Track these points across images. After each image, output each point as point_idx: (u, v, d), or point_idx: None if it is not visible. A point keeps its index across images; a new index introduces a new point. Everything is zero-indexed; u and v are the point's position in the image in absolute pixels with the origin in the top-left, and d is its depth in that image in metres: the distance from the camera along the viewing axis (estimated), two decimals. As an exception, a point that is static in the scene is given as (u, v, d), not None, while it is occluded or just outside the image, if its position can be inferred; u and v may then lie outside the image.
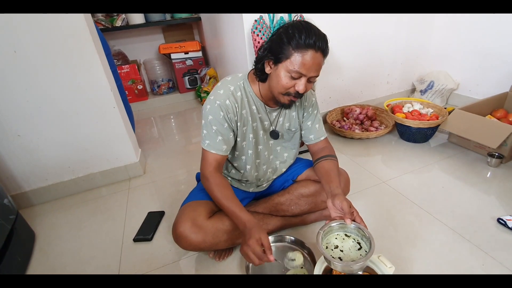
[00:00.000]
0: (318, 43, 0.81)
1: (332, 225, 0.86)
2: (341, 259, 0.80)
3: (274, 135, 1.07)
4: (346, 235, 0.87)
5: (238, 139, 1.01)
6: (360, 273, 0.87)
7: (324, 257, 0.79)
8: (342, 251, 0.82)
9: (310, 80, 0.87)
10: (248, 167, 1.09)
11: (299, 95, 0.89)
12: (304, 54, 0.81)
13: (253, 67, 0.96)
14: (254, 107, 0.99)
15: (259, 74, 0.93)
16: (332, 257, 0.80)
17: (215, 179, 0.95)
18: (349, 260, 0.79)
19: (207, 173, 0.96)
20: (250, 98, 0.98)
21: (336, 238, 0.86)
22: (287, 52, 0.83)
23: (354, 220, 0.85)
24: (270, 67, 0.89)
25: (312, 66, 0.83)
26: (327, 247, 0.83)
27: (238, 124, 0.98)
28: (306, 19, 1.73)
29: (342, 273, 0.86)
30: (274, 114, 1.04)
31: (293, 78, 0.85)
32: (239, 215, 0.89)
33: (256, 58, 0.94)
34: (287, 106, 0.96)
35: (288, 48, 0.82)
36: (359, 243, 0.84)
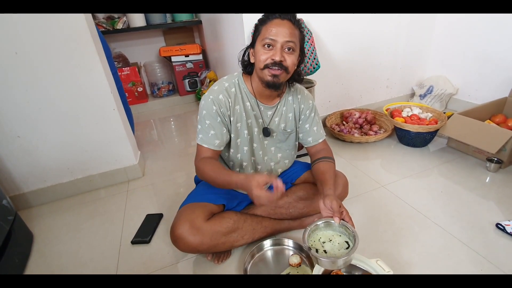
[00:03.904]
0: (282, 14, 0.89)
1: (318, 223, 0.88)
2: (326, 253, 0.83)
3: (266, 132, 1.07)
4: (331, 237, 0.88)
5: (232, 135, 1.02)
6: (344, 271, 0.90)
7: (310, 254, 0.81)
8: (325, 251, 0.84)
9: (285, 47, 0.89)
10: (244, 164, 1.09)
11: (277, 65, 0.89)
12: (270, 23, 0.89)
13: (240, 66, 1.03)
14: (248, 104, 1.01)
15: (246, 65, 1.00)
16: (317, 252, 0.82)
17: (204, 162, 0.96)
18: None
19: (197, 162, 0.98)
20: (244, 94, 1.01)
21: (321, 237, 0.88)
22: (257, 30, 0.92)
23: (343, 219, 0.86)
24: (252, 55, 0.95)
25: (280, 31, 0.88)
26: (312, 245, 0.85)
27: (232, 119, 0.99)
28: (305, 22, 1.75)
29: (335, 271, 0.88)
30: (269, 113, 1.05)
31: (267, 50, 0.89)
32: (231, 178, 0.89)
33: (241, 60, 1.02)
34: (272, 84, 0.93)
35: (257, 27, 0.92)
36: (346, 242, 0.85)
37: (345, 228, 0.86)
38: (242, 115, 1.01)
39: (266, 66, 0.91)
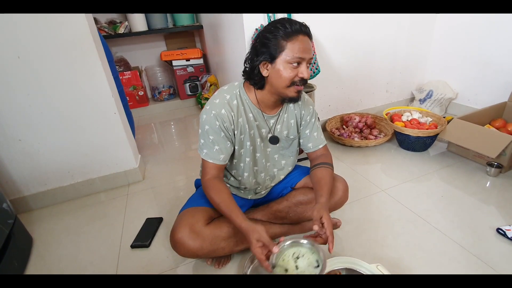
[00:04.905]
0: (303, 27, 0.86)
1: (284, 245, 0.88)
2: None
3: (274, 140, 1.07)
4: (305, 253, 0.88)
5: (236, 147, 1.02)
6: None
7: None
8: (297, 267, 0.84)
9: (308, 63, 0.89)
10: (245, 174, 1.09)
11: (304, 81, 0.90)
12: (296, 39, 0.85)
13: (244, 78, 0.98)
14: (250, 115, 0.99)
15: (257, 81, 0.93)
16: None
17: (213, 185, 0.96)
18: None
19: (205, 181, 0.98)
20: (247, 106, 0.98)
21: (295, 252, 0.88)
22: (280, 46, 0.85)
23: (311, 241, 0.88)
24: (267, 69, 0.89)
25: (306, 48, 0.86)
26: (284, 260, 0.86)
27: (235, 132, 0.98)
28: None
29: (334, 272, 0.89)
30: (272, 121, 1.04)
31: (294, 67, 0.86)
32: (235, 221, 0.90)
33: (246, 69, 0.95)
34: (296, 99, 0.94)
35: (279, 41, 0.85)
36: (317, 261, 0.85)
37: (316, 250, 0.87)
38: (245, 127, 0.99)
39: (293, 83, 0.89)
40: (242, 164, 1.07)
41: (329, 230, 0.88)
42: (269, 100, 0.97)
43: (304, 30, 0.86)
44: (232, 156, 1.04)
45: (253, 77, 0.93)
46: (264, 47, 0.87)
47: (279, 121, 1.05)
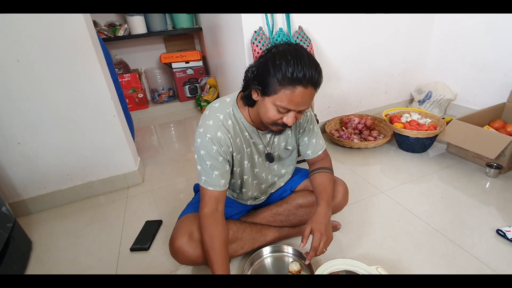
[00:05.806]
0: (308, 75, 0.72)
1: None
2: None
3: (269, 158, 1.04)
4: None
5: (234, 168, 0.98)
6: None
7: None
8: None
9: (300, 112, 0.82)
10: (244, 190, 1.08)
11: (288, 126, 0.84)
12: (292, 91, 0.73)
13: (241, 89, 0.91)
14: (246, 133, 0.94)
15: (246, 100, 0.87)
16: None
17: (208, 226, 0.89)
18: None
19: (202, 215, 0.90)
20: (242, 124, 0.92)
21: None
22: (274, 87, 0.75)
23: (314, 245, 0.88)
24: (258, 95, 0.82)
25: (301, 102, 0.76)
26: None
27: (234, 154, 0.94)
28: (304, 30, 1.77)
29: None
30: (268, 136, 0.99)
31: (280, 112, 0.79)
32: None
33: (244, 81, 0.88)
34: (278, 132, 0.92)
35: (274, 82, 0.74)
36: None
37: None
38: (242, 146, 0.95)
39: (276, 124, 0.84)
40: (239, 181, 1.05)
41: (314, 244, 0.88)
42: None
43: (307, 80, 0.73)
44: (231, 175, 1.01)
45: (244, 93, 0.87)
46: (263, 75, 0.77)
47: (276, 134, 1.01)
